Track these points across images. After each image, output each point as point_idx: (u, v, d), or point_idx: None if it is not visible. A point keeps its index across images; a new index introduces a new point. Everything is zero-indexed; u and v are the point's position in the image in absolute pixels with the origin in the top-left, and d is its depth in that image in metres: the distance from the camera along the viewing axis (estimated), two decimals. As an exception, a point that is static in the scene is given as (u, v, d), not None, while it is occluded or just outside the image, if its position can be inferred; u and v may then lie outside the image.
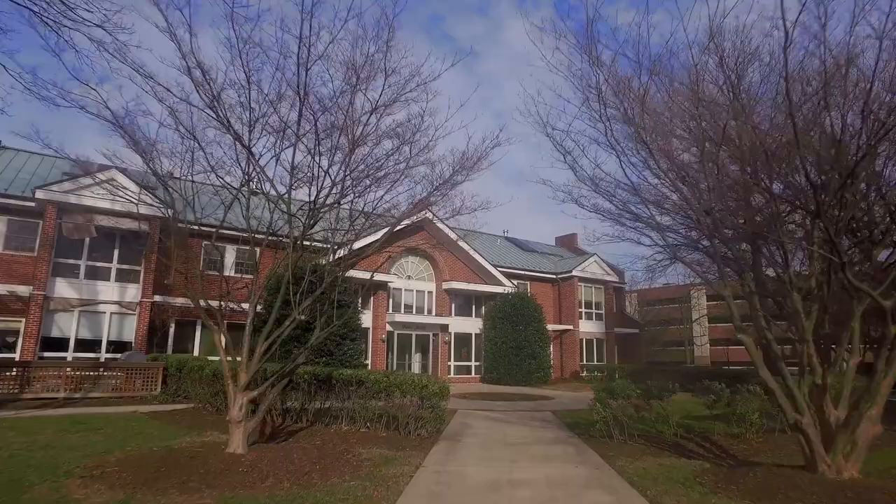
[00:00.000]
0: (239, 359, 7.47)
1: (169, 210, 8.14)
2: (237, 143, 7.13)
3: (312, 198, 7.50)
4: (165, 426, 10.12)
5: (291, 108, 7.48)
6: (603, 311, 32.22)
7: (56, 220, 17.20)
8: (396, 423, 9.98)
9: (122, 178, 15.87)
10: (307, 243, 8.48)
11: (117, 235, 18.28)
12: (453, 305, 26.86)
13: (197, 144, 7.30)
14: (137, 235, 17.46)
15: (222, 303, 7.92)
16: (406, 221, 9.26)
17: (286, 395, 10.93)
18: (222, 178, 7.70)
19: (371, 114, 7.45)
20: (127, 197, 12.82)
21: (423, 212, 9.22)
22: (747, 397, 10.38)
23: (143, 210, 14.19)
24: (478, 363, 26.92)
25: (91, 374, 14.43)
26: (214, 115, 6.76)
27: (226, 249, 20.01)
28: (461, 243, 24.86)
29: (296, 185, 7.93)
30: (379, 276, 23.12)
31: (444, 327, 25.74)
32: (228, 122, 6.76)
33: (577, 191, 8.12)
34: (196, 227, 8.15)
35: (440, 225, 23.56)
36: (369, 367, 22.67)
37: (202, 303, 7.50)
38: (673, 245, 8.15)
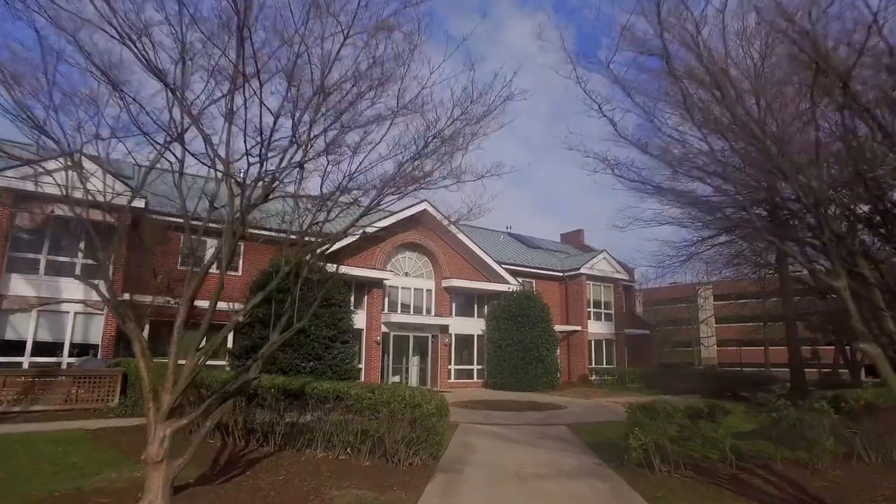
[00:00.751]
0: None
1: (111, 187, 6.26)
2: (157, 79, 5.22)
3: (257, 153, 5.58)
4: (98, 452, 8.20)
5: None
6: (612, 311, 30.38)
7: (11, 209, 15.33)
8: (383, 448, 8.06)
9: (88, 164, 13.96)
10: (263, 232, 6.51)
11: (82, 227, 16.32)
12: (454, 305, 24.90)
13: (105, 79, 5.37)
14: (106, 228, 15.60)
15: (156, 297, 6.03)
16: (393, 198, 7.28)
17: (251, 411, 9.05)
18: (147, 136, 5.80)
19: (344, 41, 5.55)
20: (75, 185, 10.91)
21: (418, 185, 7.20)
22: (815, 416, 8.46)
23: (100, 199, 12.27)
24: (480, 367, 24.96)
25: (34, 381, 12.50)
26: (116, 34, 4.85)
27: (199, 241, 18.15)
28: (454, 229, 22.72)
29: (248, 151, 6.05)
30: (374, 273, 21.25)
31: (444, 328, 23.78)
32: (128, 36, 4.86)
33: (614, 150, 6.21)
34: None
35: (437, 215, 21.62)
36: (362, 371, 20.80)
37: (106, 293, 5.62)
38: (755, 225, 6.21)
